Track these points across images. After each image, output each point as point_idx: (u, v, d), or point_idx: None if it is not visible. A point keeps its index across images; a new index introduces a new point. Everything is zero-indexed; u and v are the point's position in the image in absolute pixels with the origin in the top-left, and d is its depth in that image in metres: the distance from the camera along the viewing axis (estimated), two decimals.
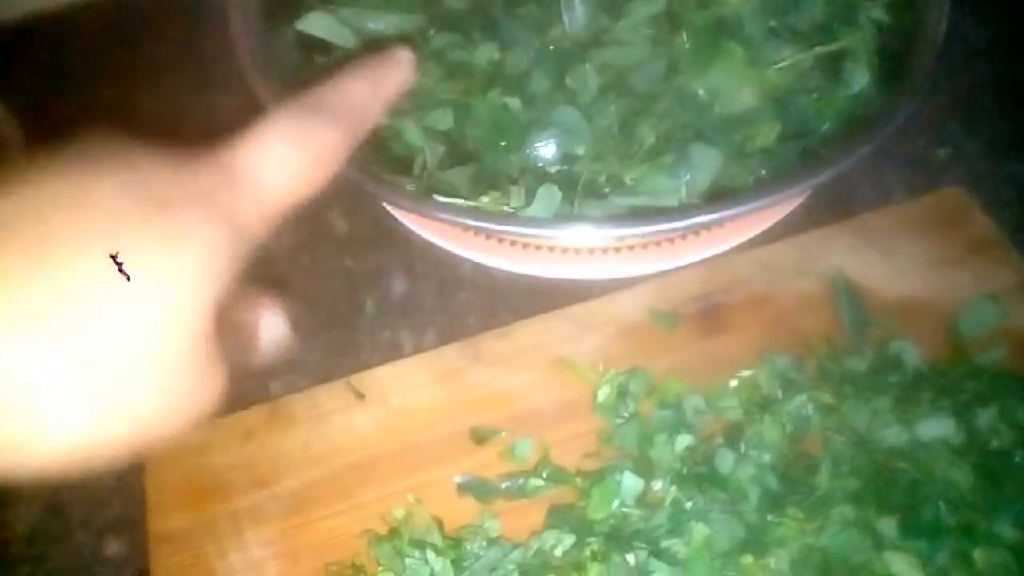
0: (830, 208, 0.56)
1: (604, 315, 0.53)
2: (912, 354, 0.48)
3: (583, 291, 0.54)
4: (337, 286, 0.57)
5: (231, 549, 0.47)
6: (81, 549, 0.49)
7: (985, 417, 0.44)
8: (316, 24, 0.51)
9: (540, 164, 0.52)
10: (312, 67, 0.51)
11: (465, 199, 0.48)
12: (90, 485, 0.51)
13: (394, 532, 0.46)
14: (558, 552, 0.43)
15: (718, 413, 0.48)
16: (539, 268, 0.54)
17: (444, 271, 0.57)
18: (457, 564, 0.44)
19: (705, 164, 0.50)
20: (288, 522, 0.47)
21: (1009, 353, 0.48)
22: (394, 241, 0.58)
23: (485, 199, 0.48)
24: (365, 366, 0.53)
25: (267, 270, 0.58)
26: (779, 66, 0.52)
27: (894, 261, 0.53)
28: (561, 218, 0.49)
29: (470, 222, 0.46)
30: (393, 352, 0.54)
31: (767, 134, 0.52)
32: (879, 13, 0.54)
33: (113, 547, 0.49)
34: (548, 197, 0.47)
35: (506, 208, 0.48)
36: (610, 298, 0.53)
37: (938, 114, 0.62)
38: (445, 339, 0.54)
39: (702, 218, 0.48)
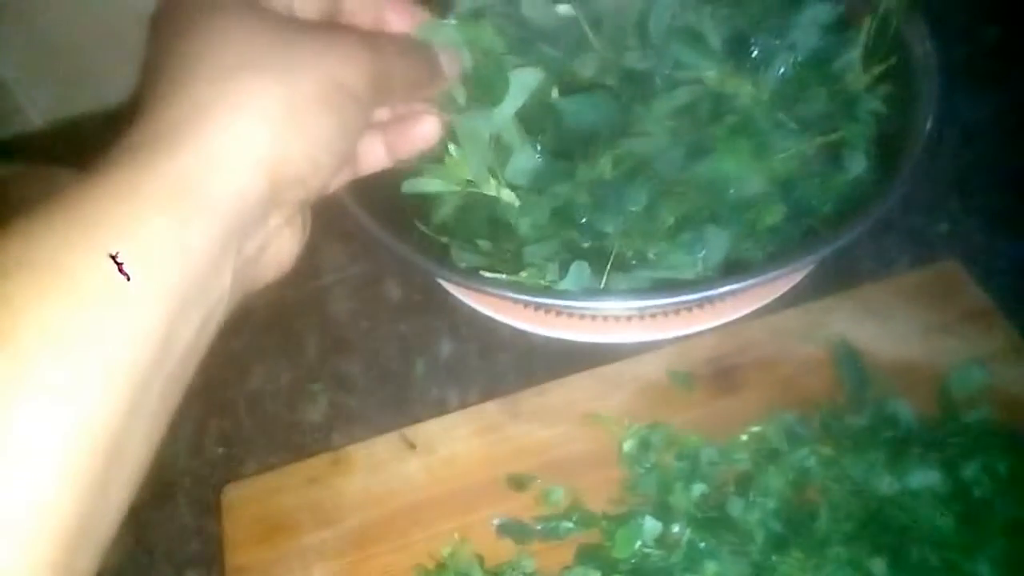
0: (834, 279, 0.62)
1: (629, 375, 0.59)
2: (905, 412, 0.53)
3: (611, 353, 0.60)
4: (391, 348, 0.65)
5: None
6: None
7: (969, 469, 0.49)
8: None
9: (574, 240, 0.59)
10: None
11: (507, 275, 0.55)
12: (172, 526, 0.58)
13: (441, 567, 0.52)
14: None
15: (730, 464, 0.53)
16: (572, 333, 0.61)
17: (486, 335, 0.64)
18: None
19: (718, 243, 0.56)
20: (349, 557, 0.54)
21: (993, 412, 0.53)
22: (442, 308, 0.65)
23: (523, 275, 0.55)
24: (416, 419, 0.59)
25: (330, 332, 0.65)
26: (785, 155, 0.59)
27: (892, 328, 0.58)
28: (593, 292, 0.55)
29: (512, 295, 0.53)
30: (440, 407, 0.61)
31: (774, 214, 0.58)
32: (876, 105, 0.60)
33: None
34: (578, 272, 0.54)
35: (542, 283, 0.55)
36: (635, 360, 0.59)
37: (937, 192, 0.67)
38: (487, 396, 0.60)
39: (716, 290, 0.54)
